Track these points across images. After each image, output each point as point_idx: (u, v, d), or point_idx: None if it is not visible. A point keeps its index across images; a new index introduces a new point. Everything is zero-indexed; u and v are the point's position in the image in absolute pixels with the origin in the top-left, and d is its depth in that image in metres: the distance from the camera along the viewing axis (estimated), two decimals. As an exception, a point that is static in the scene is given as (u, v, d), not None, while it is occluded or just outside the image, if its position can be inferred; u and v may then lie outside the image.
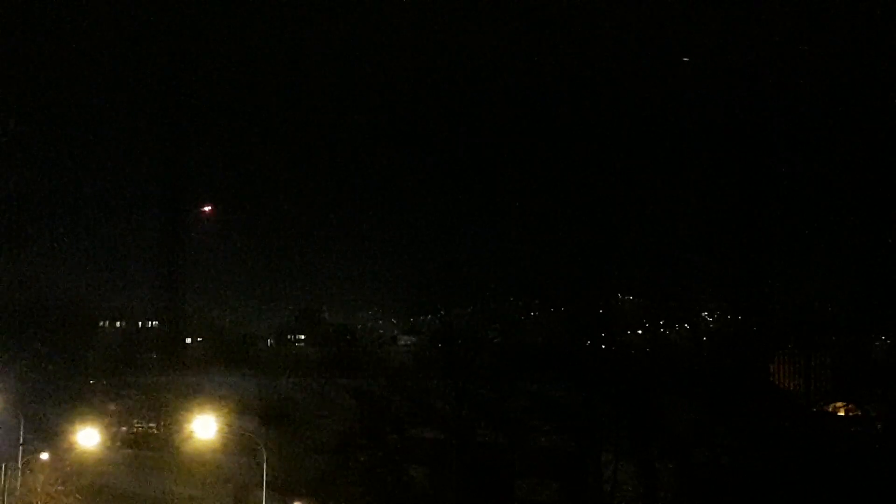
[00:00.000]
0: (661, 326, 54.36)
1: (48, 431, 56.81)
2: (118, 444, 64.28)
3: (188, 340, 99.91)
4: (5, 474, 49.23)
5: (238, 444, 50.94)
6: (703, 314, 51.47)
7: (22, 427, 51.42)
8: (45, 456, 53.60)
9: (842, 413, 43.48)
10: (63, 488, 50.25)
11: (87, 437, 48.92)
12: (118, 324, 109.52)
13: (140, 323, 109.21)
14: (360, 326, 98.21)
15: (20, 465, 50.69)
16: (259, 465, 40.37)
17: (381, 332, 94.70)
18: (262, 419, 54.14)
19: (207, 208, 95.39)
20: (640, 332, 55.01)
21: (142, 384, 74.88)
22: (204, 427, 46.00)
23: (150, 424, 69.60)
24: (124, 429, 68.05)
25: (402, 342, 78.54)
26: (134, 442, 67.86)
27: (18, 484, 50.30)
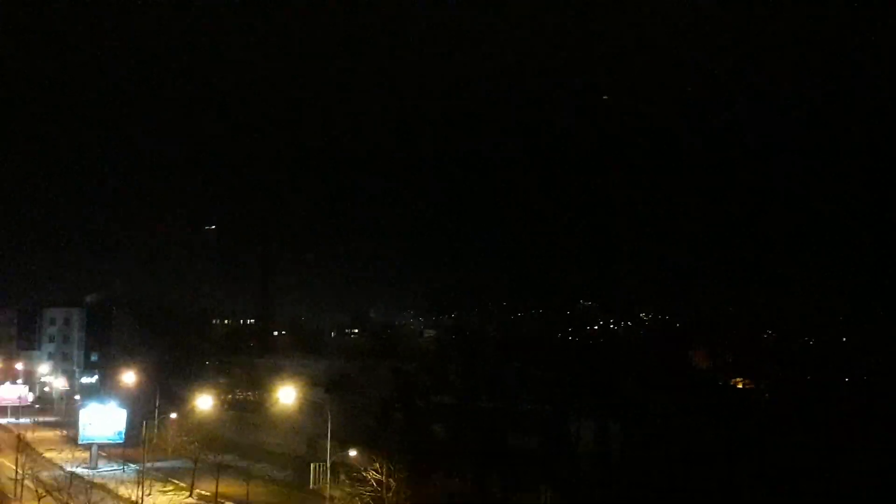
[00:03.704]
0: (612, 324, 54.07)
1: (176, 398, 57.80)
2: (226, 407, 63.87)
3: (275, 333, 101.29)
4: (147, 428, 49.86)
5: (310, 407, 50.36)
6: (641, 315, 51.97)
7: (158, 396, 52.13)
8: (174, 415, 53.85)
9: (740, 386, 43.68)
10: (187, 438, 50.19)
11: (204, 402, 48.44)
12: (226, 321, 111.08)
13: (241, 320, 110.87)
14: (397, 323, 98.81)
15: (157, 422, 51.56)
16: (325, 422, 39.01)
17: (412, 327, 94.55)
18: (327, 389, 53.93)
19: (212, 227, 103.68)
20: (596, 327, 54.43)
21: (242, 364, 74.80)
22: (286, 395, 45.66)
23: (248, 393, 68.76)
24: (230, 396, 67.78)
25: (427, 334, 78.16)
26: (237, 405, 67.74)
27: (156, 433, 51.06)
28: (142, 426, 51.41)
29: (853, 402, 36.88)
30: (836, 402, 36.78)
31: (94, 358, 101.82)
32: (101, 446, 57.07)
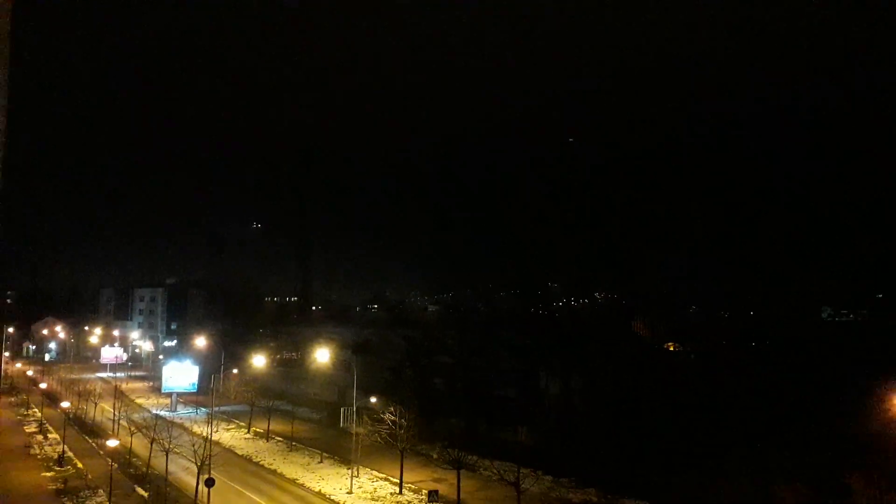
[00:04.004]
0: (573, 301, 55.60)
1: (237, 357, 60.88)
2: (275, 364, 66.10)
3: (313, 308, 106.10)
4: (214, 381, 52.85)
5: (341, 364, 52.12)
6: (595, 294, 53.56)
7: (223, 355, 55.66)
8: (235, 371, 57.36)
9: (672, 349, 45.25)
10: (245, 388, 52.69)
11: (258, 361, 50.25)
12: (274, 299, 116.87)
13: (286, 298, 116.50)
14: (406, 300, 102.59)
15: (222, 376, 55.19)
16: (352, 376, 38.60)
17: (418, 303, 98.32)
18: (354, 351, 55.29)
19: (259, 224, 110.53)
20: (561, 304, 55.89)
21: (288, 332, 78.65)
22: (322, 355, 47.20)
23: (293, 354, 72.14)
24: (278, 356, 70.54)
25: (430, 309, 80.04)
26: (284, 363, 70.55)
27: (221, 385, 54.58)
28: (210, 379, 53.97)
29: (757, 359, 38.26)
30: (744, 360, 38.11)
31: (173, 326, 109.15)
32: (179, 394, 60.68)
